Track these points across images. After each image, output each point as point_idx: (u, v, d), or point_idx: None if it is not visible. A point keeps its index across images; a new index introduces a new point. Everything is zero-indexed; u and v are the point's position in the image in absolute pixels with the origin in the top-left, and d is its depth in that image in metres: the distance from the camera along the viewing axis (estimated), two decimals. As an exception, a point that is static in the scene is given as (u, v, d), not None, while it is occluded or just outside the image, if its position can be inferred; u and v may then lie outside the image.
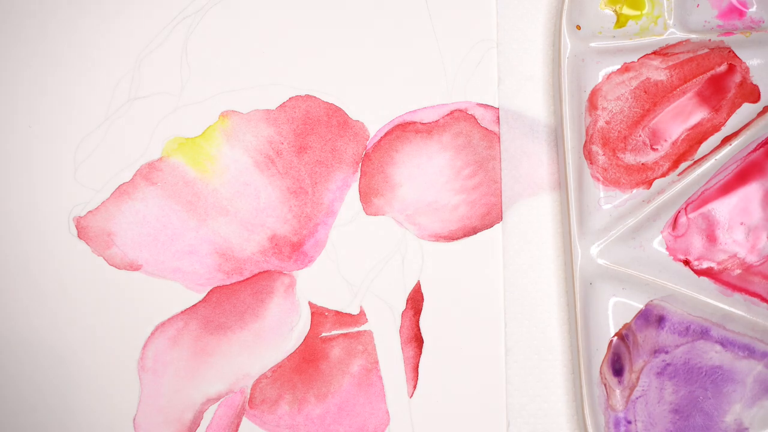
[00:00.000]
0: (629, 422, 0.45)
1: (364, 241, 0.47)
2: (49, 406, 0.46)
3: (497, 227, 0.47)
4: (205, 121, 0.47)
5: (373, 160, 0.48)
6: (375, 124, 0.48)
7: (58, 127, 0.47)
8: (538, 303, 0.47)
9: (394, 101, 0.48)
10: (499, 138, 0.48)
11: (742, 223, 0.46)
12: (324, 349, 0.47)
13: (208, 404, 0.47)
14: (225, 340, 0.47)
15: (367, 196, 0.48)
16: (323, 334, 0.47)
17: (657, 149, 0.46)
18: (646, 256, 0.46)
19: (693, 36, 0.46)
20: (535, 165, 0.47)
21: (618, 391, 0.45)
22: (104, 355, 0.46)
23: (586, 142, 0.46)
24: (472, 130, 0.48)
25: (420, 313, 0.47)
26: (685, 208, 0.46)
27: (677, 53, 0.46)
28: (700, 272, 0.46)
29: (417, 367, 0.47)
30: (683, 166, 0.46)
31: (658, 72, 0.46)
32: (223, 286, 0.47)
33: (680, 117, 0.46)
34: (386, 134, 0.48)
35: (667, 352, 0.45)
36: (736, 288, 0.46)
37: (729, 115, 0.46)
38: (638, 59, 0.46)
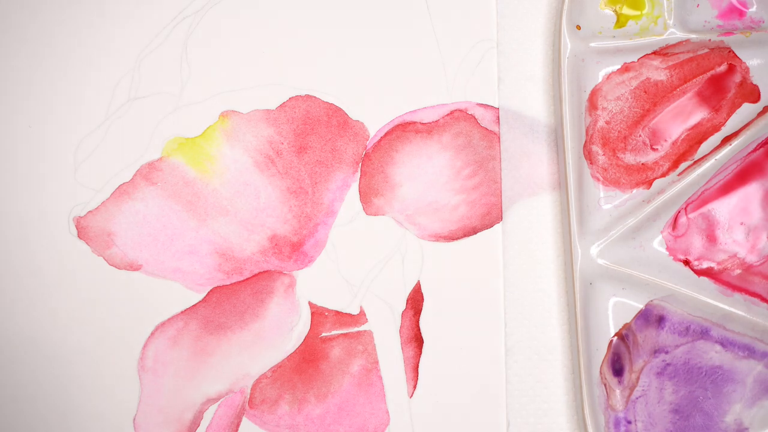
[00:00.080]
0: (629, 422, 0.45)
1: (364, 241, 0.47)
2: (49, 405, 0.46)
3: (497, 227, 0.47)
4: (205, 121, 0.47)
5: (373, 160, 0.48)
6: (375, 124, 0.48)
7: (58, 127, 0.47)
8: (538, 303, 0.47)
9: (394, 101, 0.48)
10: (499, 138, 0.48)
11: (742, 223, 0.46)
12: (324, 349, 0.47)
13: (208, 404, 0.47)
14: (225, 340, 0.47)
15: (367, 196, 0.48)
16: (323, 334, 0.47)
17: (657, 149, 0.46)
18: (646, 256, 0.46)
19: (693, 36, 0.46)
20: (535, 165, 0.47)
21: (618, 391, 0.45)
22: (104, 355, 0.46)
23: (586, 142, 0.46)
24: (472, 130, 0.48)
25: (420, 313, 0.47)
26: (685, 208, 0.46)
27: (677, 53, 0.46)
28: (700, 272, 0.46)
29: (417, 367, 0.47)
30: (683, 166, 0.46)
31: (658, 72, 0.46)
32: (223, 286, 0.47)
33: (680, 117, 0.46)
34: (386, 134, 0.48)
35: (667, 352, 0.45)
36: (736, 288, 0.46)
37: (729, 115, 0.46)
38: (638, 59, 0.46)
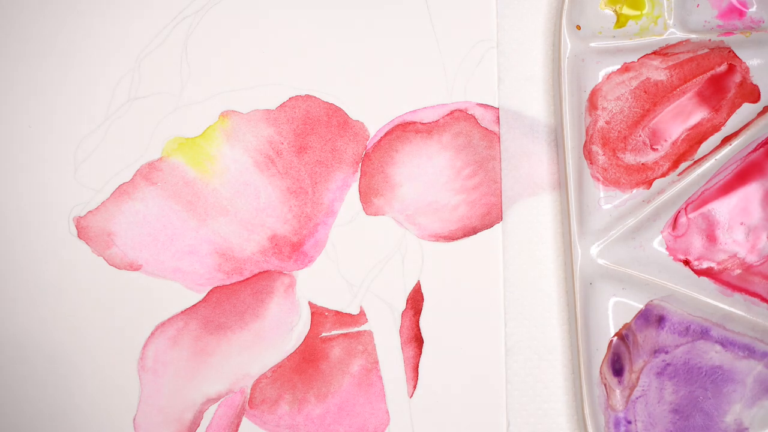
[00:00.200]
0: (629, 422, 0.45)
1: (364, 241, 0.47)
2: (49, 406, 0.46)
3: (497, 227, 0.47)
4: (205, 121, 0.47)
5: (373, 160, 0.48)
6: (375, 124, 0.48)
7: (58, 127, 0.47)
8: (538, 303, 0.47)
9: (394, 101, 0.48)
10: (499, 138, 0.48)
11: (742, 223, 0.46)
12: (324, 349, 0.47)
13: (208, 404, 0.47)
14: (225, 340, 0.47)
15: (367, 196, 0.48)
16: (323, 334, 0.47)
17: (657, 149, 0.46)
18: (646, 256, 0.46)
19: (693, 36, 0.46)
20: (535, 165, 0.47)
21: (618, 391, 0.45)
22: (104, 355, 0.46)
23: (586, 142, 0.46)
24: (472, 130, 0.48)
25: (420, 313, 0.47)
26: (685, 208, 0.46)
27: (677, 53, 0.46)
28: (700, 272, 0.46)
29: (417, 367, 0.47)
30: (683, 166, 0.46)
31: (658, 72, 0.46)
32: (223, 286, 0.47)
33: (680, 117, 0.46)
34: (386, 134, 0.48)
35: (667, 352, 0.45)
36: (736, 288, 0.46)
37: (729, 115, 0.46)
38: (638, 59, 0.46)
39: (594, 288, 0.45)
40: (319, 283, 0.47)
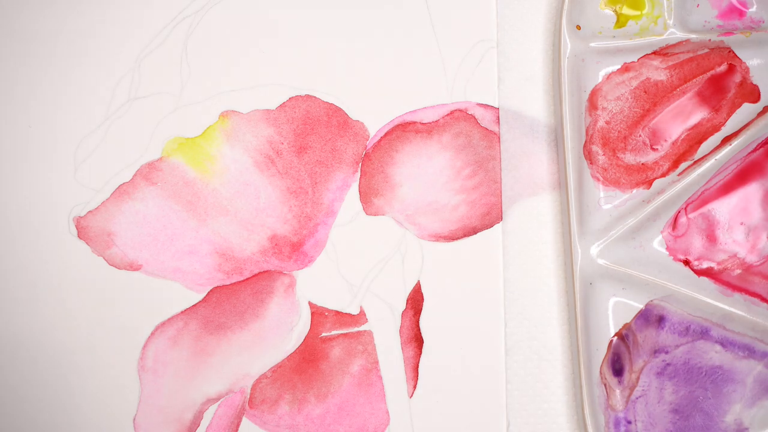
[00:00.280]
0: (629, 422, 0.45)
1: (364, 241, 0.47)
2: (49, 405, 0.46)
3: (497, 227, 0.47)
4: (205, 121, 0.47)
5: (373, 160, 0.48)
6: (375, 124, 0.48)
7: (58, 127, 0.47)
8: (538, 303, 0.47)
9: (394, 101, 0.48)
10: (499, 138, 0.48)
11: (742, 223, 0.46)
12: (324, 349, 0.47)
13: (208, 404, 0.47)
14: (225, 340, 0.47)
15: (367, 196, 0.48)
16: (323, 334, 0.47)
17: (657, 149, 0.46)
18: (646, 256, 0.46)
19: (693, 36, 0.46)
20: (535, 165, 0.47)
21: (618, 391, 0.45)
22: (104, 355, 0.46)
23: (586, 142, 0.46)
24: (472, 130, 0.48)
25: (420, 313, 0.47)
26: (685, 208, 0.46)
27: (677, 53, 0.46)
28: (700, 272, 0.46)
29: (417, 367, 0.47)
30: (683, 166, 0.46)
31: (658, 72, 0.46)
32: (223, 286, 0.47)
33: (680, 117, 0.46)
34: (386, 134, 0.48)
35: (667, 352, 0.45)
36: (736, 288, 0.46)
37: (729, 115, 0.46)
38: (638, 59, 0.46)
39: (594, 288, 0.45)
40: (319, 283, 0.47)
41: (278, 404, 0.47)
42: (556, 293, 0.47)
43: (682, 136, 0.46)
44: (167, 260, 0.47)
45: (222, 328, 0.47)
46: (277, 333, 0.47)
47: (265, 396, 0.47)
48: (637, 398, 0.45)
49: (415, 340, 0.47)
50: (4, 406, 0.46)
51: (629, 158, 0.46)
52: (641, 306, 0.45)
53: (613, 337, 0.45)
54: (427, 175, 0.47)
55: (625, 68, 0.46)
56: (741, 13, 0.46)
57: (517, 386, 0.47)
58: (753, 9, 0.46)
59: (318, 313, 0.47)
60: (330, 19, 0.48)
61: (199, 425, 0.47)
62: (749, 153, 0.46)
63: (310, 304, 0.47)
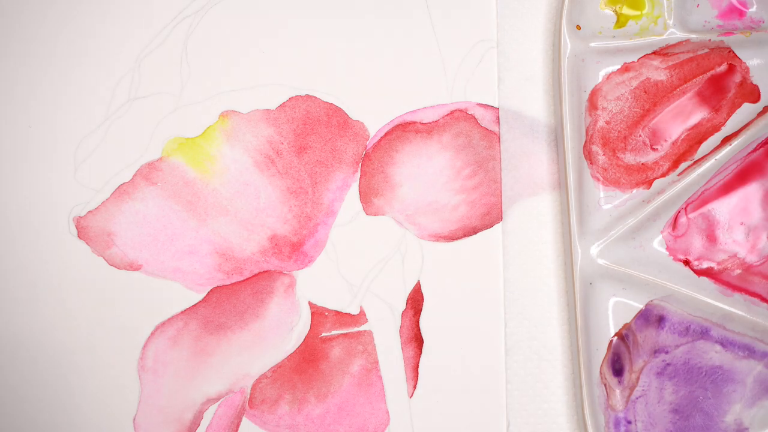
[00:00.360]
0: (629, 422, 0.45)
1: (364, 241, 0.47)
2: (49, 406, 0.46)
3: (497, 227, 0.47)
4: (205, 121, 0.47)
5: (373, 160, 0.48)
6: (375, 124, 0.48)
7: (58, 127, 0.47)
8: (538, 303, 0.47)
9: (394, 101, 0.48)
10: (499, 138, 0.48)
11: (742, 223, 0.46)
12: (324, 349, 0.47)
13: (208, 404, 0.47)
14: (225, 340, 0.47)
15: (367, 196, 0.48)
16: (323, 334, 0.47)
17: (657, 149, 0.46)
18: (646, 256, 0.46)
19: (693, 36, 0.46)
20: (535, 165, 0.47)
21: (618, 391, 0.45)
22: (104, 355, 0.46)
23: (586, 142, 0.46)
24: (472, 130, 0.48)
25: (420, 313, 0.47)
26: (685, 208, 0.46)
27: (677, 53, 0.46)
28: (700, 272, 0.46)
29: (417, 367, 0.47)
30: (683, 166, 0.46)
31: (658, 72, 0.46)
32: (223, 286, 0.47)
33: (680, 117, 0.46)
34: (386, 134, 0.48)
35: (667, 352, 0.45)
36: (736, 288, 0.46)
37: (729, 115, 0.46)
38: (638, 59, 0.46)
39: (594, 288, 0.45)
40: (319, 283, 0.47)
41: (278, 404, 0.47)
42: (556, 293, 0.47)
43: (682, 136, 0.46)
44: (167, 260, 0.47)
45: (222, 328, 0.47)
46: (277, 333, 0.47)
47: (265, 396, 0.47)
48: (637, 398, 0.45)
49: (415, 340, 0.47)
50: (4, 406, 0.46)
51: (629, 158, 0.46)
52: (641, 306, 0.45)
53: (613, 337, 0.45)
54: (427, 175, 0.47)
55: (625, 68, 0.46)
56: (741, 13, 0.46)
57: (517, 386, 0.47)
58: (753, 9, 0.46)
59: (318, 313, 0.47)
60: (330, 19, 0.48)
61: (199, 425, 0.47)
62: (749, 153, 0.46)
63: (310, 304, 0.47)
